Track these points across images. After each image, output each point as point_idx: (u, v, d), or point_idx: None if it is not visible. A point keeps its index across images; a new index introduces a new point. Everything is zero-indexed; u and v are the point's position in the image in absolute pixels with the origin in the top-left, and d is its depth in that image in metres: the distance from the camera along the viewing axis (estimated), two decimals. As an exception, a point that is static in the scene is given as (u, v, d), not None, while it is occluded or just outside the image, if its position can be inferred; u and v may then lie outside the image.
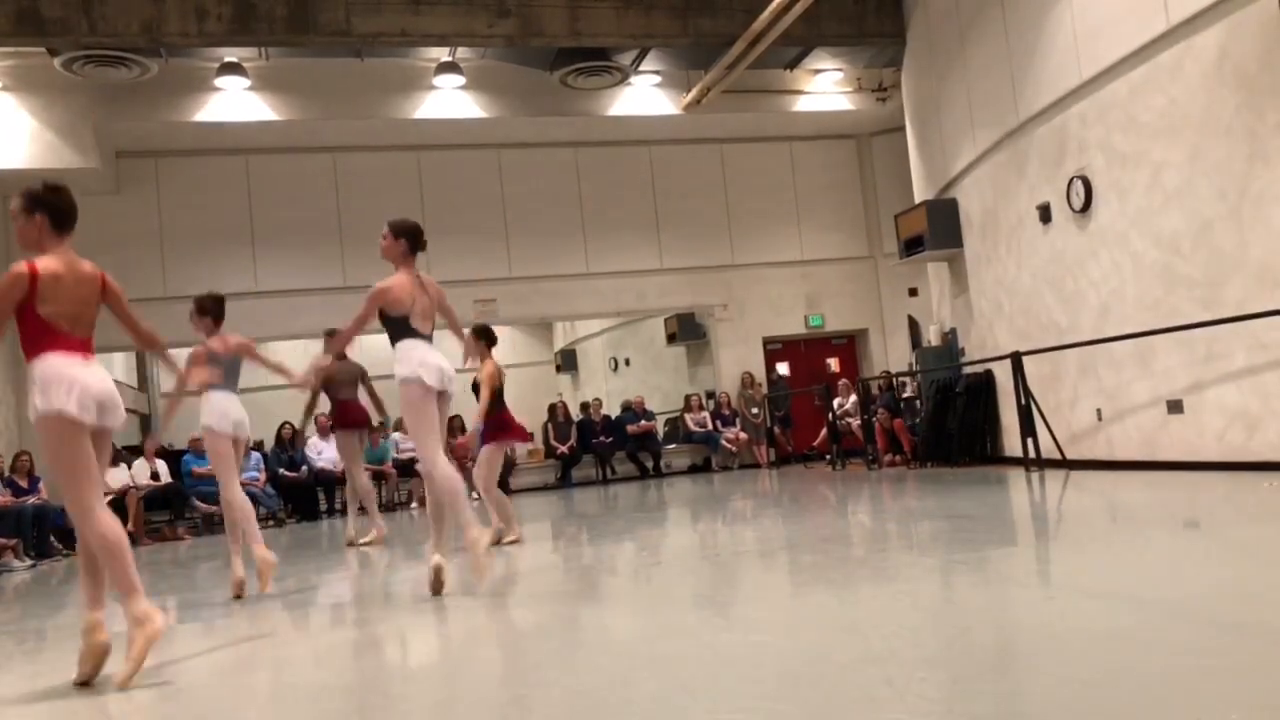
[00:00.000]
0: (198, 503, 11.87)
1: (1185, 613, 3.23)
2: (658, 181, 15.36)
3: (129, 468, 11.91)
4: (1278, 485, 6.17)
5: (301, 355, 16.26)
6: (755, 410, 15.13)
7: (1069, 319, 9.10)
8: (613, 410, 15.42)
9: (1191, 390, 7.67)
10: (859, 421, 12.84)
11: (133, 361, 18.10)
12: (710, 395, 15.63)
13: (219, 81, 12.51)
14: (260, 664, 4.01)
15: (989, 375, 10.73)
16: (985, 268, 10.77)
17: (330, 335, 8.49)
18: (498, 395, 7.19)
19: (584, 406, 15.29)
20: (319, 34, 10.90)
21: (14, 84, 11.90)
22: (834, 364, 16.13)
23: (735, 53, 11.91)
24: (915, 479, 10.02)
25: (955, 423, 10.95)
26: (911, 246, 11.88)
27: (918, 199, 12.50)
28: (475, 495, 8.36)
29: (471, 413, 7.49)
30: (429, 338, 5.14)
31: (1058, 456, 8.98)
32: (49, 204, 3.81)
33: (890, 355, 15.61)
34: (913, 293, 15.06)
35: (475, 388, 7.29)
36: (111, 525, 3.66)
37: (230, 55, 12.32)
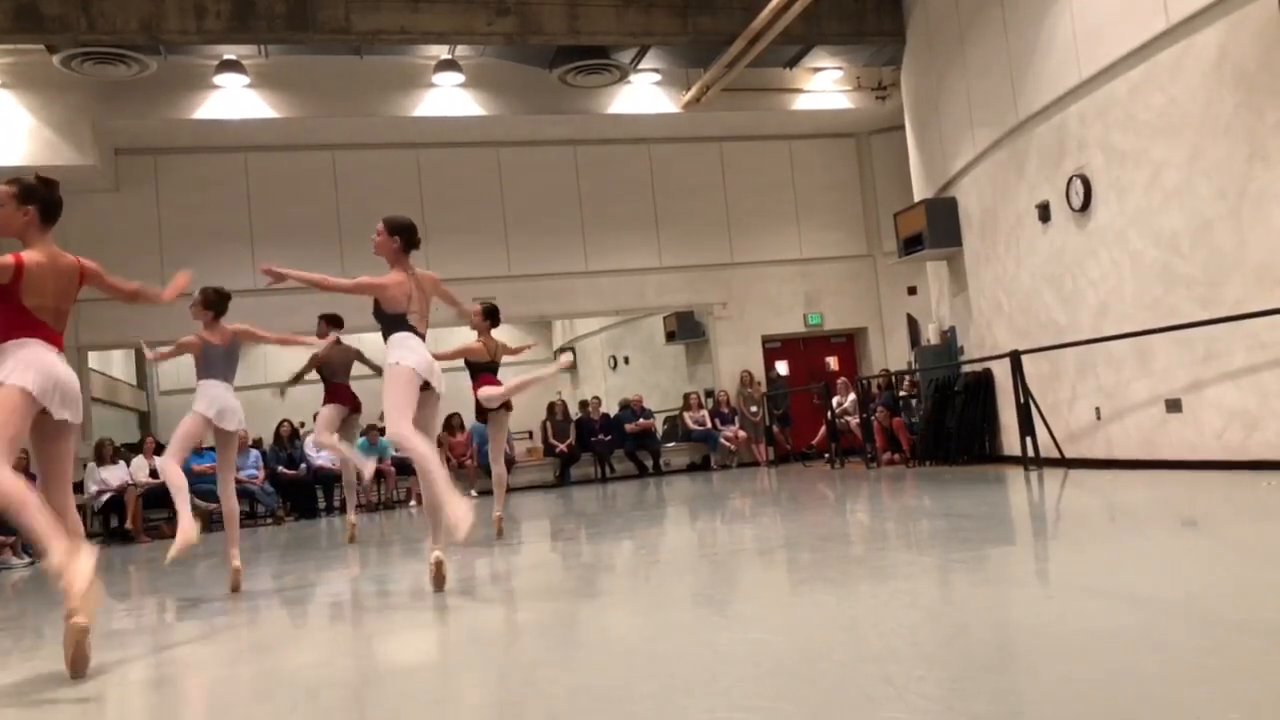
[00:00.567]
0: (197, 500, 11.81)
1: (1184, 612, 3.23)
2: (657, 180, 15.35)
3: (128, 465, 11.92)
4: (1276, 484, 6.17)
5: (301, 355, 16.29)
6: (754, 409, 15.14)
7: (1068, 318, 9.11)
8: (611, 409, 15.41)
9: (1190, 389, 7.67)
10: (858, 420, 12.85)
11: (132, 361, 18.11)
12: (709, 394, 15.63)
13: (218, 79, 12.51)
14: (259, 661, 4.00)
15: (988, 374, 10.74)
16: (984, 266, 10.77)
17: (327, 321, 8.54)
18: (487, 368, 7.58)
19: (583, 405, 15.28)
20: (318, 31, 10.89)
21: (13, 81, 11.89)
22: (833, 362, 16.14)
23: (735, 51, 11.90)
24: (914, 478, 10.03)
25: (954, 421, 10.96)
26: (911, 245, 11.88)
27: (917, 198, 12.50)
28: (475, 493, 8.38)
29: (469, 413, 7.58)
30: (423, 337, 5.17)
31: (1056, 455, 8.99)
32: (43, 198, 3.83)
33: (889, 354, 15.62)
34: (912, 291, 15.06)
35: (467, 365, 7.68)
36: (10, 479, 3.57)
37: (229, 53, 12.32)
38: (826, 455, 13.33)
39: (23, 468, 10.71)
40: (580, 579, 5.56)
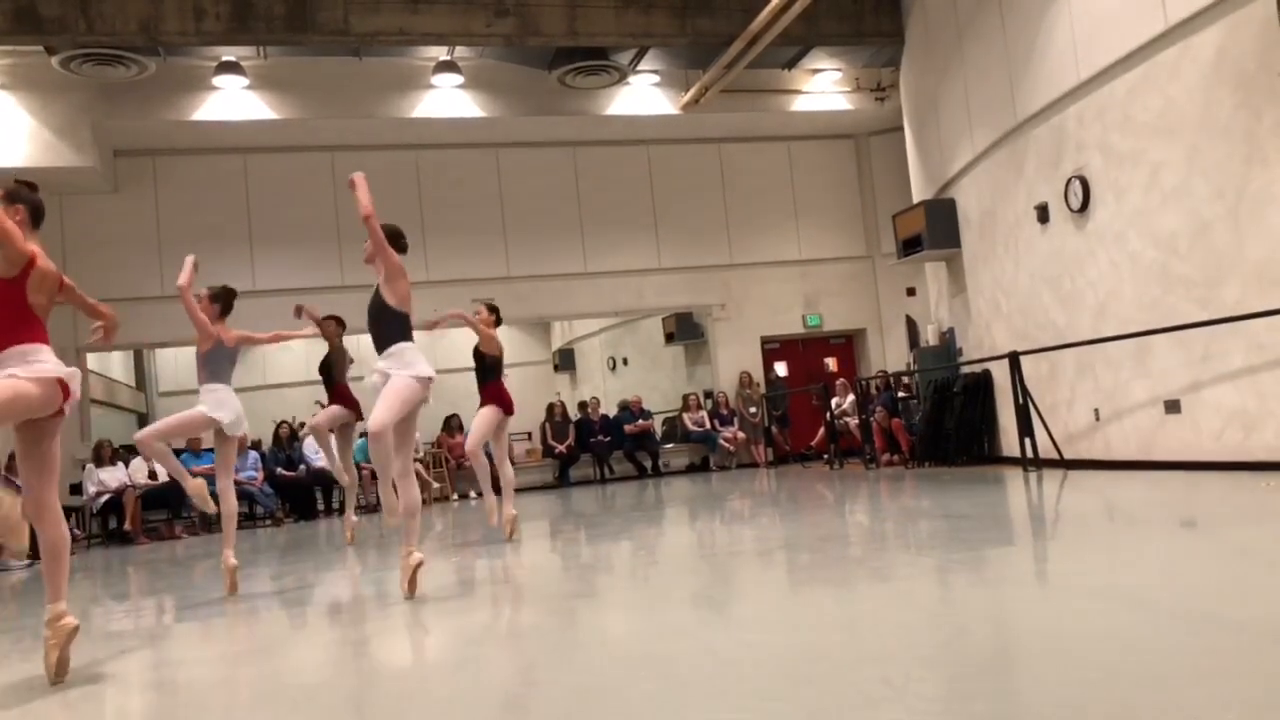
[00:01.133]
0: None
1: (1182, 612, 3.23)
2: (656, 181, 15.36)
3: (126, 467, 11.91)
4: (1275, 485, 6.17)
5: (301, 355, 16.31)
6: (753, 410, 15.14)
7: (1066, 319, 9.11)
8: (610, 410, 15.41)
9: (1189, 390, 7.68)
10: (857, 421, 12.85)
11: (131, 361, 18.10)
12: (708, 395, 15.63)
13: (217, 80, 12.50)
14: (257, 662, 4.00)
15: (987, 375, 10.74)
16: (983, 267, 10.78)
17: (336, 321, 8.55)
18: (496, 367, 7.64)
19: (581, 406, 15.29)
20: (317, 33, 10.89)
21: (12, 82, 11.88)
22: (832, 363, 16.15)
23: (733, 52, 11.91)
24: (913, 478, 10.03)
25: (953, 422, 10.96)
26: (909, 246, 11.88)
27: (916, 199, 12.51)
28: (477, 493, 8.41)
29: (466, 413, 7.60)
30: None
31: (1055, 456, 8.99)
32: (29, 200, 3.83)
33: (888, 355, 15.62)
34: (910, 292, 15.07)
35: (476, 355, 7.72)
36: (65, 529, 3.77)
37: (228, 54, 12.32)
38: (825, 456, 13.33)
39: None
40: (579, 580, 5.56)
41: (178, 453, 12.27)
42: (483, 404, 7.62)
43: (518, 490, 9.36)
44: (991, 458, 10.71)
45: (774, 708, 2.55)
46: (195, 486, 5.92)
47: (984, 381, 10.77)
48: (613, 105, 14.01)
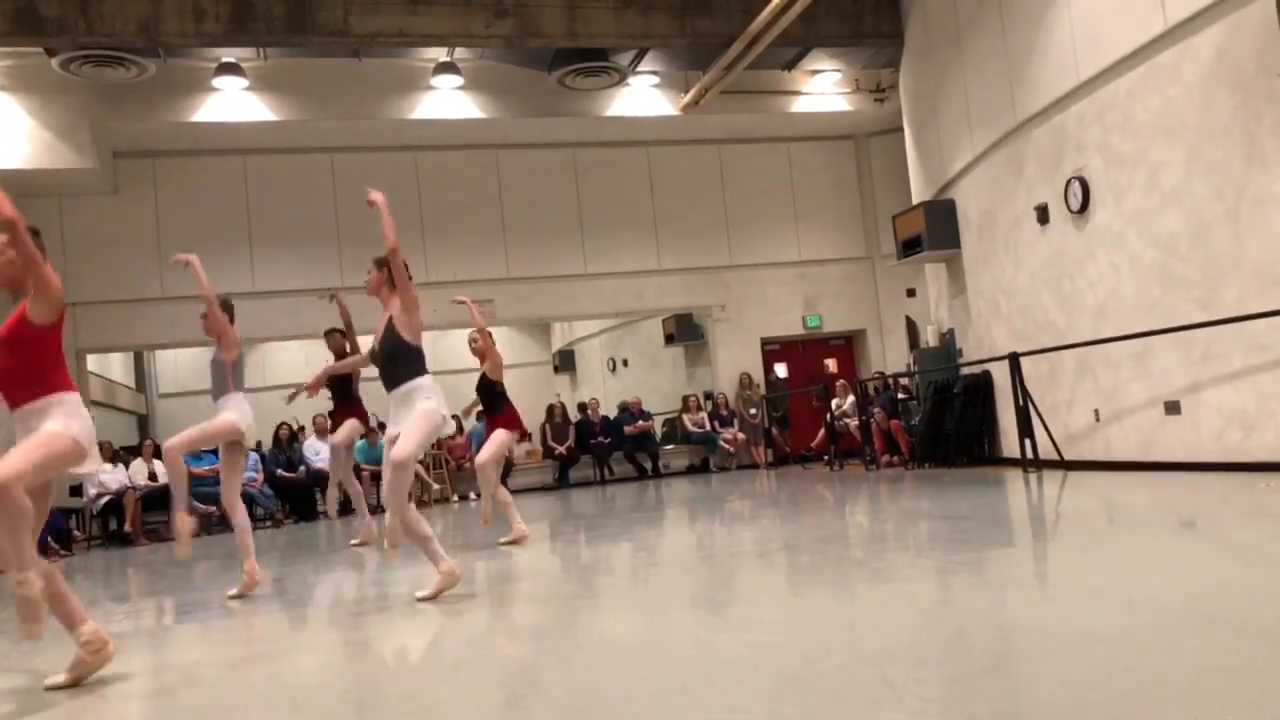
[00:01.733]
0: (196, 504, 11.84)
1: (1182, 613, 3.23)
2: (656, 182, 15.36)
3: (126, 468, 11.91)
4: (1274, 486, 6.18)
5: (300, 356, 16.30)
6: (753, 411, 15.14)
7: (1066, 319, 9.11)
8: (610, 411, 15.41)
9: (1189, 391, 7.68)
10: (857, 422, 12.85)
11: (131, 362, 18.10)
12: (708, 396, 15.63)
13: (217, 81, 12.50)
14: (258, 664, 4.00)
15: (987, 376, 10.74)
16: (983, 268, 10.78)
17: (341, 334, 8.49)
18: (504, 392, 7.55)
19: (581, 407, 15.28)
20: (317, 34, 10.89)
21: (11, 84, 11.88)
22: (832, 365, 16.14)
23: (733, 53, 11.91)
24: (913, 480, 10.03)
25: (953, 423, 10.96)
26: (909, 247, 11.89)
27: (915, 200, 12.51)
28: (477, 495, 8.38)
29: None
30: None
31: (1055, 457, 8.99)
32: (41, 246, 3.75)
33: (888, 356, 15.62)
34: (910, 293, 15.06)
35: (484, 384, 7.59)
36: (27, 501, 3.52)
37: (228, 55, 12.32)
38: (826, 457, 13.33)
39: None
40: (580, 581, 5.56)
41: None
42: (498, 427, 7.48)
43: (516, 492, 9.36)
44: (991, 459, 10.71)
45: (774, 708, 2.54)
46: (183, 524, 5.69)
47: (984, 382, 10.77)
48: (612, 106, 14.01)
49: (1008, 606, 3.71)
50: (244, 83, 12.59)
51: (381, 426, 12.01)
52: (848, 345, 16.34)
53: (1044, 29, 8.98)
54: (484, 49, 12.50)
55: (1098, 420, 8.78)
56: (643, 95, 14.06)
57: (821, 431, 13.81)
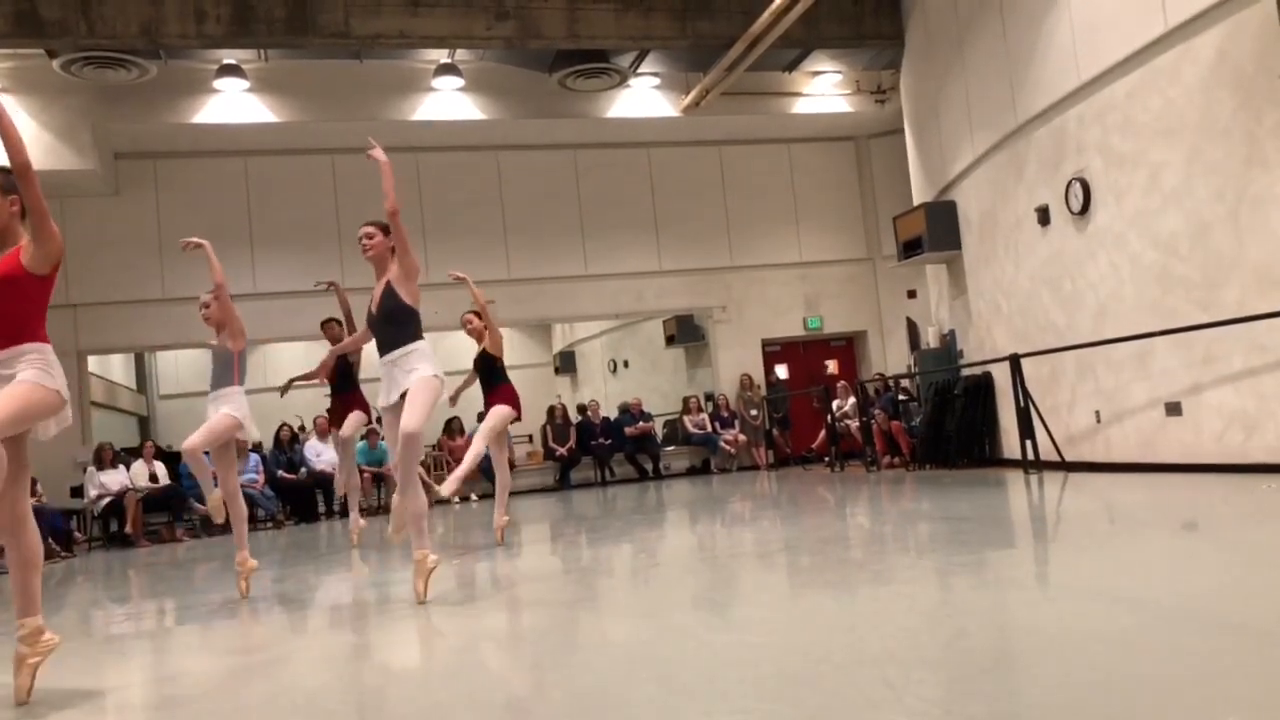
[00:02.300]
0: (196, 505, 11.82)
1: (1183, 614, 3.23)
2: (657, 183, 15.36)
3: (127, 469, 11.91)
4: (1275, 487, 6.17)
5: (301, 356, 16.28)
6: (754, 412, 15.14)
7: (1067, 320, 9.11)
8: (611, 412, 15.42)
9: (1190, 392, 7.67)
10: (858, 423, 12.84)
11: (131, 362, 18.11)
12: (709, 397, 15.63)
13: (218, 83, 12.51)
14: (258, 665, 4.00)
15: (987, 377, 10.74)
16: (984, 269, 10.78)
17: (338, 324, 8.51)
18: (504, 369, 7.47)
19: (582, 408, 15.28)
20: (318, 36, 10.90)
21: (13, 85, 11.89)
22: (832, 366, 16.14)
23: (734, 55, 11.92)
24: (914, 481, 10.03)
25: (954, 425, 10.96)
26: (910, 248, 11.89)
27: (916, 201, 12.51)
28: (477, 496, 8.33)
29: (468, 416, 7.52)
30: None
31: (1056, 458, 8.99)
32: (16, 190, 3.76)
33: (889, 357, 15.62)
34: (911, 295, 15.06)
35: (484, 359, 7.48)
36: (39, 541, 3.58)
37: (229, 57, 12.33)
38: (826, 459, 13.32)
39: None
40: (580, 582, 5.56)
41: (180, 455, 12.28)
42: (496, 403, 7.34)
43: (517, 493, 9.34)
44: (992, 460, 10.71)
45: (775, 709, 2.54)
46: (215, 499, 5.76)
47: (985, 383, 10.77)
48: (613, 108, 14.02)
49: (1008, 607, 3.71)
50: (245, 84, 12.61)
51: (379, 422, 12.02)
52: (848, 346, 16.34)
53: (1044, 30, 8.99)
54: (485, 50, 12.51)
55: (1098, 421, 8.78)
56: (643, 97, 14.06)
57: (822, 433, 13.81)
